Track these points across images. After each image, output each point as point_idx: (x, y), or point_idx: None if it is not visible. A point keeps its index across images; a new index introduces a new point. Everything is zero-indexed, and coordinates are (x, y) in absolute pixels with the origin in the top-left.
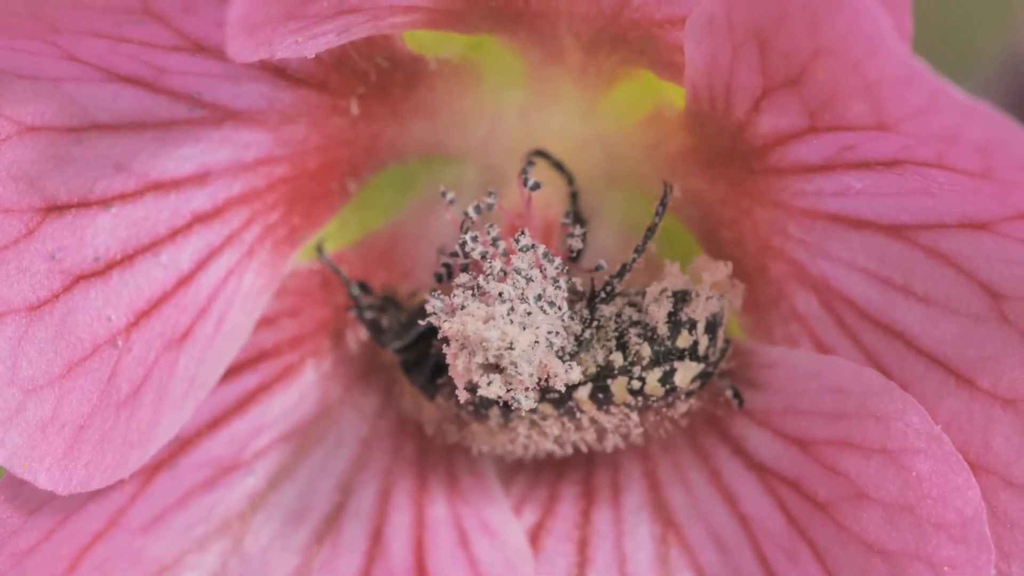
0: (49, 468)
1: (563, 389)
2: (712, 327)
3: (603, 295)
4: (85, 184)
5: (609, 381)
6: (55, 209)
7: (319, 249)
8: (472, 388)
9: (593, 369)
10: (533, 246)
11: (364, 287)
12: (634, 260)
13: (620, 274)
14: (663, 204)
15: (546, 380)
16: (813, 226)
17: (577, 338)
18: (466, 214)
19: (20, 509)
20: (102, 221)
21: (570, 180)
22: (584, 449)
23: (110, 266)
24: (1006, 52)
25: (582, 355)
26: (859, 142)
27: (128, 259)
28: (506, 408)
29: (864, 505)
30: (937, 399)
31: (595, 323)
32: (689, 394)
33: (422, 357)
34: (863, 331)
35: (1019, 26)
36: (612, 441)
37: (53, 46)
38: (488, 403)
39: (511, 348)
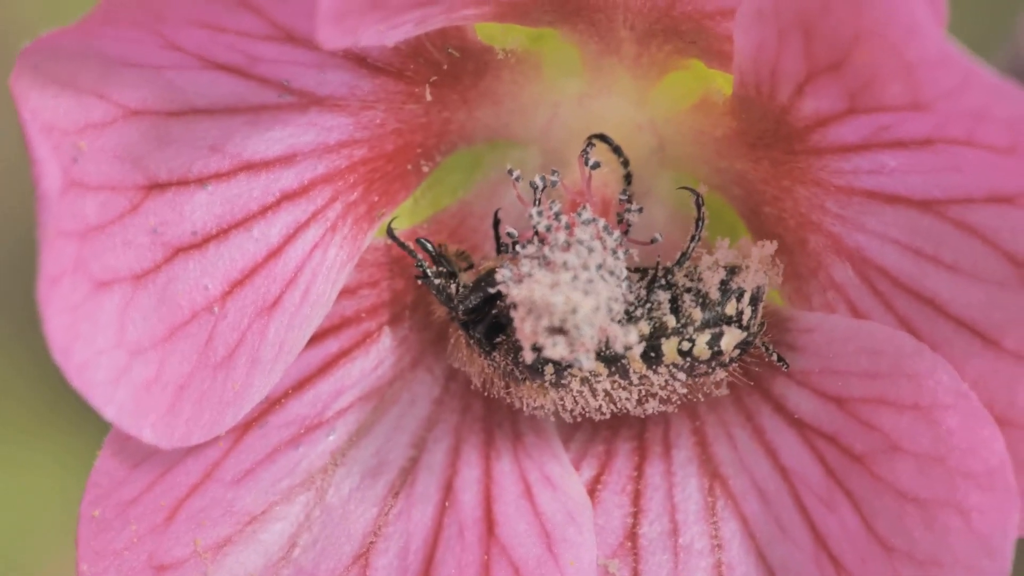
0: (153, 424)
1: (621, 350)
2: (755, 299)
3: (663, 281)
4: (184, 164)
5: (662, 340)
6: (157, 187)
7: (388, 228)
8: (538, 349)
9: (647, 330)
10: (594, 219)
11: (438, 253)
12: (691, 248)
13: (679, 261)
14: (699, 209)
15: (606, 343)
16: (850, 202)
17: (629, 314)
18: (532, 184)
19: (125, 462)
20: (199, 198)
21: (626, 162)
22: (628, 410)
23: (207, 239)
24: (1007, 57)
25: (638, 322)
26: (895, 122)
27: (223, 233)
28: (559, 366)
29: (898, 457)
30: (965, 359)
31: (649, 304)
32: (730, 361)
33: (481, 316)
34: (896, 298)
35: (1019, 31)
36: (652, 406)
37: (158, 36)
38: (544, 361)
39: (575, 312)
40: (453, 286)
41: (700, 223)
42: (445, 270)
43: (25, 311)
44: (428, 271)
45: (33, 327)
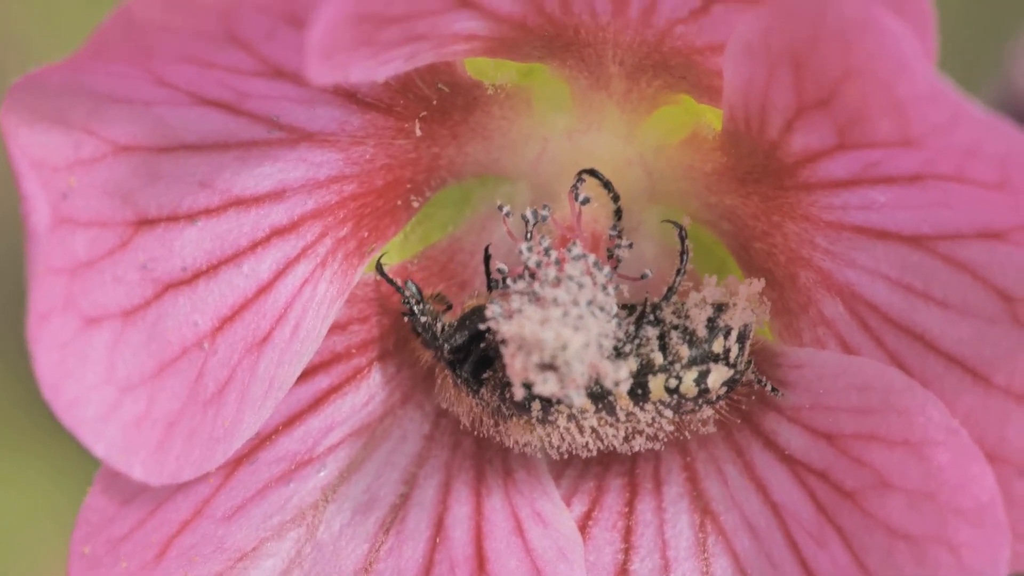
0: (143, 461)
1: (611, 386)
2: (743, 337)
3: (651, 317)
4: (173, 200)
5: (649, 377)
6: (146, 223)
7: (378, 265)
8: (529, 385)
9: (635, 367)
10: (584, 255)
11: (419, 293)
12: (677, 283)
13: (666, 296)
14: (683, 242)
15: (596, 379)
16: (839, 237)
17: (617, 350)
18: (524, 218)
19: (115, 499)
20: (189, 234)
21: (616, 197)
22: (615, 447)
23: (196, 275)
24: (997, 86)
25: (626, 358)
26: (884, 158)
27: (213, 269)
28: (547, 402)
29: (888, 493)
30: (955, 395)
31: (637, 340)
32: (717, 399)
33: (467, 353)
34: (886, 333)
35: (1011, 59)
36: (639, 443)
37: (146, 71)
38: (532, 397)
39: (565, 348)
40: (439, 325)
41: (684, 256)
42: (431, 308)
43: (11, 325)
44: (415, 309)
45: (18, 341)
